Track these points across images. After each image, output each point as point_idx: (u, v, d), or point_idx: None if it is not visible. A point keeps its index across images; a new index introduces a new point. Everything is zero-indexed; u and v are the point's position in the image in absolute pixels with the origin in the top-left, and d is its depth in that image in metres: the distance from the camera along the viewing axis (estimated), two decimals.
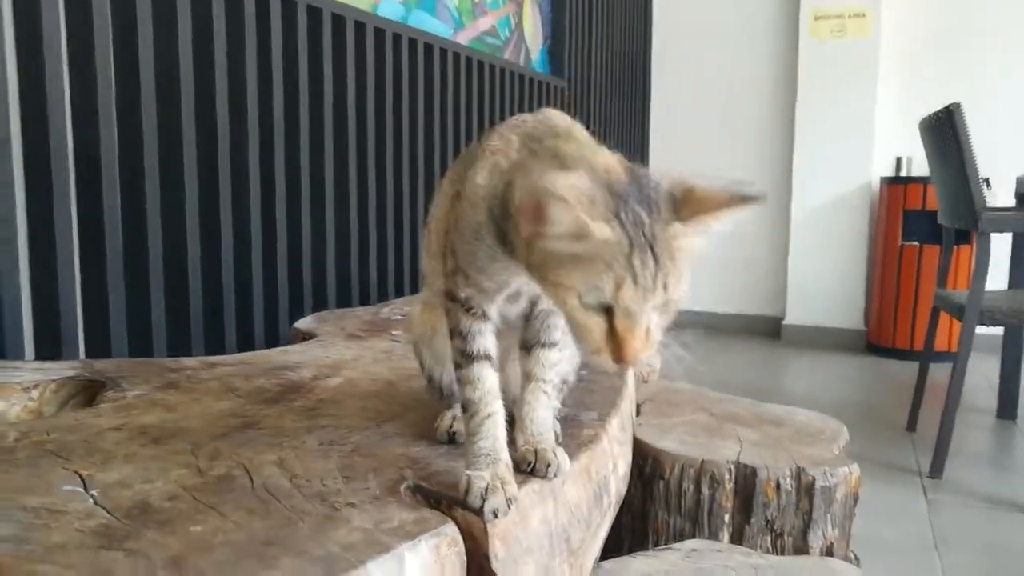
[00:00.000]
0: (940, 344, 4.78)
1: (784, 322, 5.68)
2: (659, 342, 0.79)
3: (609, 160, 0.77)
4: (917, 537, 2.63)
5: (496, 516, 0.87)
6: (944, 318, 3.63)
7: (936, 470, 3.13)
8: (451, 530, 0.84)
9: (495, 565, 0.88)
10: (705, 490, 1.73)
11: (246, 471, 0.96)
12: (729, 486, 1.71)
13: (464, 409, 0.94)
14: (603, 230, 0.71)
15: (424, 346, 1.15)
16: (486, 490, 0.87)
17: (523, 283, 0.92)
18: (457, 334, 0.94)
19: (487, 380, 0.93)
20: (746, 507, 1.69)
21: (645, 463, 1.74)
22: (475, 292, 0.93)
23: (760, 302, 5.86)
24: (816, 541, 1.66)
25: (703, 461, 1.73)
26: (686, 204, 0.74)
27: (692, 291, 0.76)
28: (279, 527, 0.81)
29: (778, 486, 1.68)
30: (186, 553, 0.74)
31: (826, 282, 5.51)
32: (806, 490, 1.70)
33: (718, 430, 1.93)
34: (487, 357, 0.94)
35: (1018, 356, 3.77)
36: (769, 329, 5.77)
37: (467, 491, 0.87)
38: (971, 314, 3.06)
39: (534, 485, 0.97)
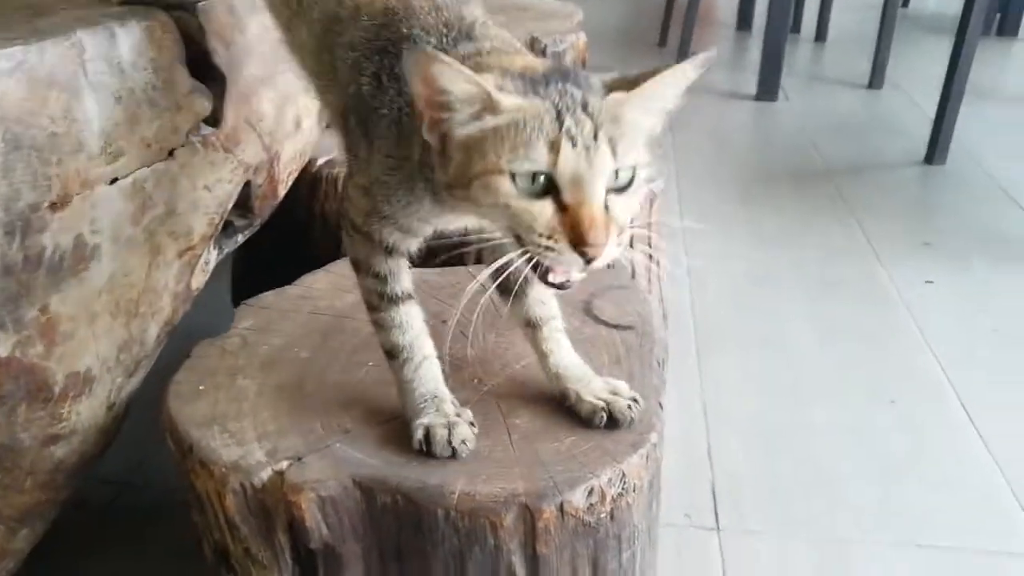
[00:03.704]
0: None
1: None
2: (626, 232, 0.67)
3: (528, 60, 0.71)
4: None
5: (466, 446, 0.80)
6: None
7: None
8: (164, 18, 0.89)
9: (217, 61, 0.97)
10: None
11: None
12: None
13: (391, 355, 0.85)
14: (512, 99, 0.64)
15: None
16: (449, 433, 0.80)
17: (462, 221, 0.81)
18: (370, 274, 0.83)
19: (416, 321, 0.84)
20: None
21: None
22: (398, 234, 0.81)
23: None
24: None
25: None
26: (622, 83, 0.68)
27: None
28: None
29: None
30: None
31: None
32: (539, 52, 1.88)
33: None
34: (410, 296, 0.85)
35: None
36: None
37: (429, 441, 0.80)
38: None
39: None
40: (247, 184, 1.07)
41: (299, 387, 0.92)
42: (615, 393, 0.86)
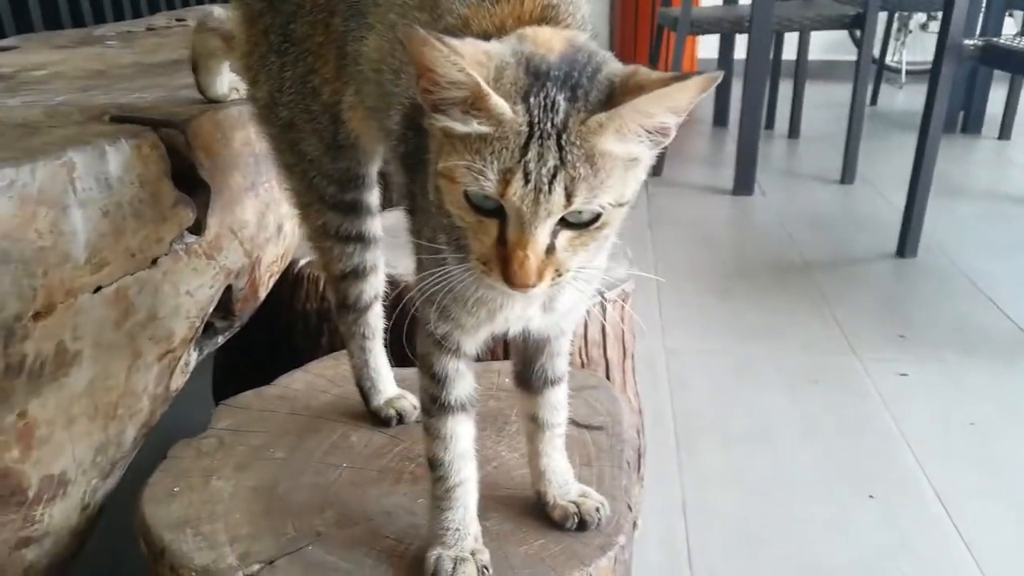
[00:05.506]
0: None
1: None
2: (571, 272, 0.63)
3: (554, 37, 0.62)
4: (635, 220, 3.08)
5: None
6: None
7: (656, 170, 3.59)
8: (152, 136, 0.94)
9: (201, 173, 1.02)
10: None
11: None
12: None
13: (431, 466, 0.82)
14: (500, 105, 0.58)
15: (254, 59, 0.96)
16: (454, 569, 0.77)
17: (514, 318, 0.76)
18: (427, 373, 0.80)
19: (461, 440, 0.81)
20: None
21: None
22: (453, 328, 0.76)
23: None
24: None
25: None
26: (623, 91, 0.59)
27: None
28: None
29: None
30: None
31: None
32: None
33: None
34: (463, 408, 0.81)
35: (730, 68, 4.25)
36: None
37: (434, 572, 0.78)
38: (683, 24, 3.40)
39: None
40: (228, 288, 1.10)
41: (273, 488, 0.93)
42: (585, 496, 0.88)
